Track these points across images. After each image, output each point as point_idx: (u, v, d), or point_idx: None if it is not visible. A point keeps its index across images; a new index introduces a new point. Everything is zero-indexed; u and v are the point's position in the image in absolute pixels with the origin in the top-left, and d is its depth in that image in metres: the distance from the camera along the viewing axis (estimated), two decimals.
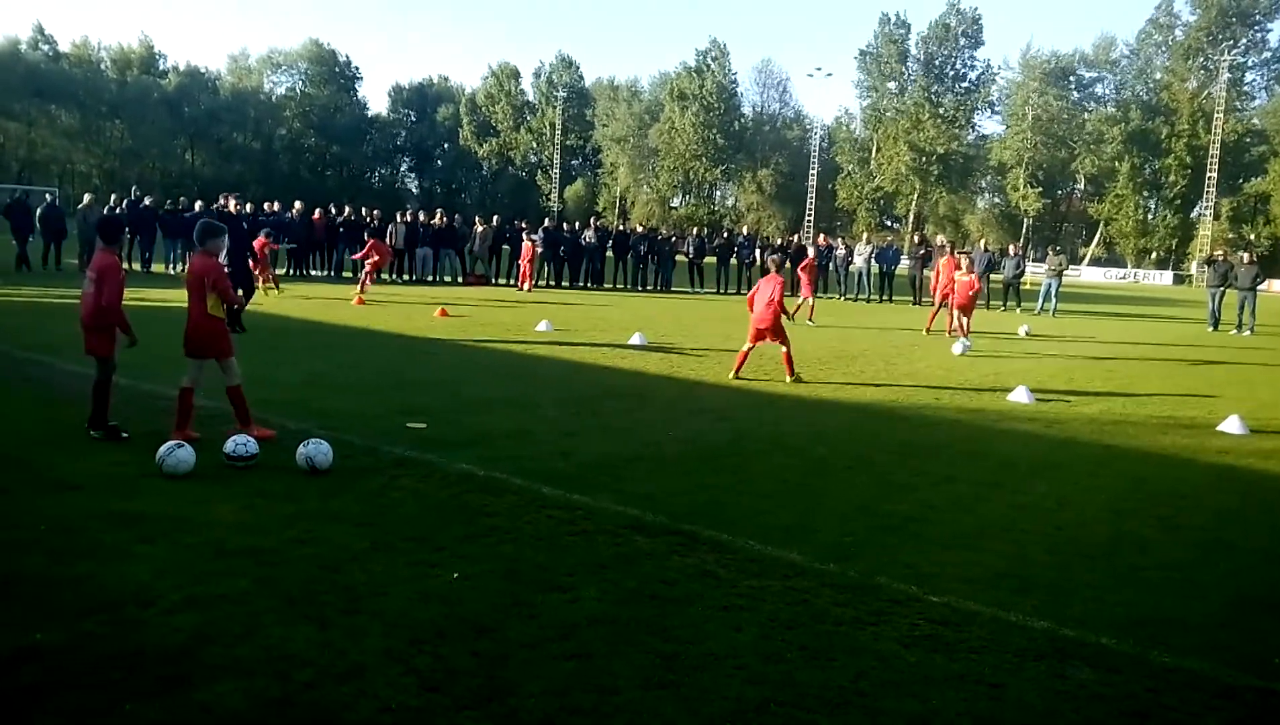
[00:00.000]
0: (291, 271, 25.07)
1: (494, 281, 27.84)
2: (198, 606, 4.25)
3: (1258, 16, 76.98)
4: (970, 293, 16.99)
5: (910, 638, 4.35)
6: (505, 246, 28.24)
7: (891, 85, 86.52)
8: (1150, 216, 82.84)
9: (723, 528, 5.74)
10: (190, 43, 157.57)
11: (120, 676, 3.59)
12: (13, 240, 22.07)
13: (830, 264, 30.16)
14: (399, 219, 26.93)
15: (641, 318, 19.29)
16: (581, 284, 28.78)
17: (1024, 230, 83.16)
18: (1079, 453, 8.66)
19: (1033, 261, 51.35)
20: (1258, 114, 79.75)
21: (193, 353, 7.25)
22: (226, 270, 8.14)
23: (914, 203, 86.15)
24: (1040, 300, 27.60)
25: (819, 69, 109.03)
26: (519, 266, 26.66)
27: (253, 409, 7.34)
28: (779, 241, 34.17)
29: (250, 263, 16.40)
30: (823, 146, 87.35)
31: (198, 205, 24.80)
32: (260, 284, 18.31)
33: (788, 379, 11.71)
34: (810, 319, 20.14)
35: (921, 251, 30.05)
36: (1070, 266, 62.37)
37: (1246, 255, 26.03)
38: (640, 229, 33.50)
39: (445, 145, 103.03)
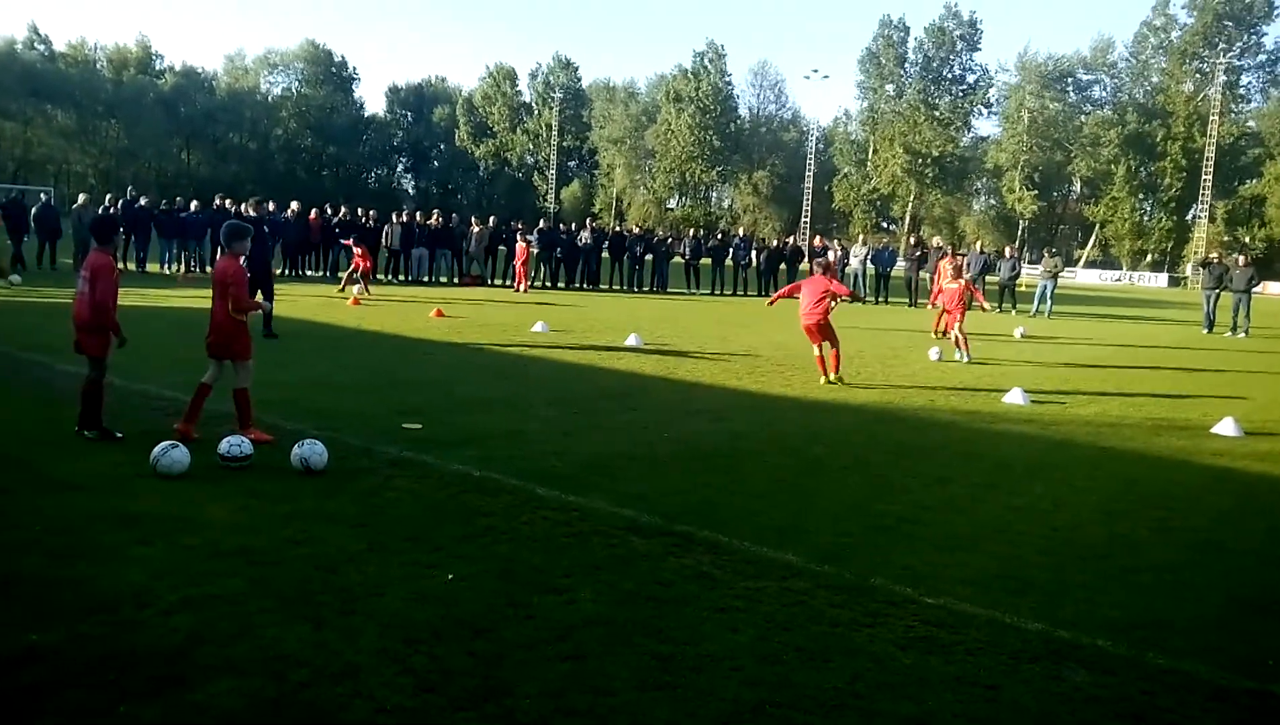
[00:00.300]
0: (286, 271, 25.02)
1: (490, 282, 27.83)
2: (193, 607, 4.25)
3: (1253, 20, 77.19)
4: (960, 301, 15.81)
5: (906, 639, 4.36)
6: (501, 247, 28.27)
7: (890, 87, 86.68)
8: (1146, 219, 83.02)
9: (718, 528, 5.75)
10: (186, 43, 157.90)
11: (116, 677, 3.59)
12: (8, 240, 22.03)
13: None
14: (395, 219, 26.91)
15: (637, 319, 19.29)
16: (578, 285, 28.78)
17: (1020, 232, 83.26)
18: (1074, 454, 8.68)
19: (1028, 263, 51.42)
20: (1253, 116, 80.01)
21: (213, 352, 7.33)
22: (248, 275, 8.16)
23: (910, 205, 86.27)
24: (1036, 302, 27.64)
25: (815, 71, 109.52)
26: (514, 268, 26.66)
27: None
28: (775, 242, 34.12)
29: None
30: (819, 148, 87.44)
31: (193, 205, 24.81)
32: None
33: (831, 377, 11.80)
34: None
35: (917, 253, 30.10)
36: (1066, 268, 62.39)
37: (1242, 257, 26.13)
38: (636, 230, 33.54)
39: (441, 146, 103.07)
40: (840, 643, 4.29)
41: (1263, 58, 78.63)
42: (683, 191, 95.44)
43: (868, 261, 30.31)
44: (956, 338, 15.28)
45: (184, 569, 4.69)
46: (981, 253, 30.32)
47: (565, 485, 6.51)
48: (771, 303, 13.10)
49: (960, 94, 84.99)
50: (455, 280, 27.33)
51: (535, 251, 26.94)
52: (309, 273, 25.89)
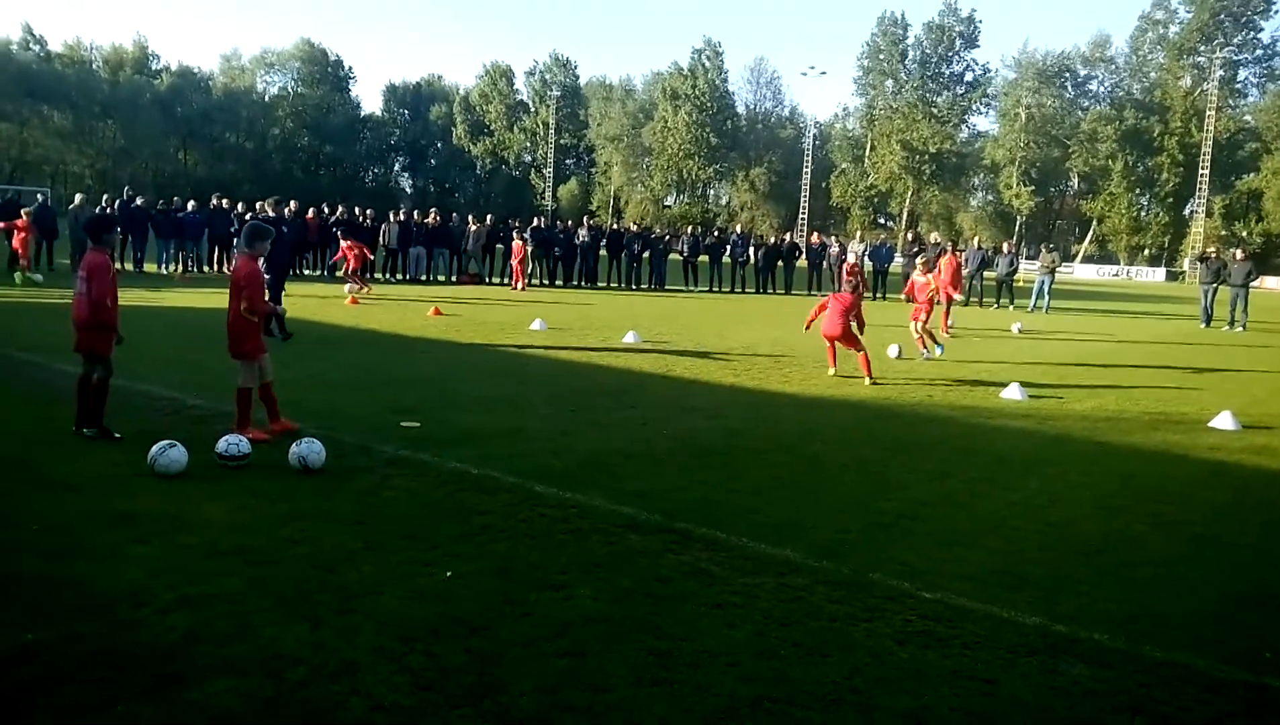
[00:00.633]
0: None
1: (488, 281, 27.82)
2: (190, 606, 4.25)
3: (1250, 15, 77.21)
4: (929, 295, 15.40)
5: (904, 634, 4.36)
6: (499, 246, 28.24)
7: (889, 84, 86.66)
8: (1143, 214, 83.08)
9: (716, 525, 5.75)
10: (183, 43, 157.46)
11: (113, 675, 3.59)
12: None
13: (824, 262, 30.55)
14: (392, 218, 26.90)
15: (635, 316, 19.29)
16: (576, 283, 28.78)
17: (1017, 228, 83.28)
18: (1071, 449, 8.69)
19: (1026, 259, 51.43)
20: (1250, 111, 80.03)
21: (231, 352, 7.42)
22: (266, 277, 8.20)
23: (907, 201, 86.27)
24: (1033, 297, 27.66)
25: (812, 67, 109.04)
26: (512, 266, 26.65)
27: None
28: (773, 239, 34.09)
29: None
30: (816, 145, 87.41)
31: (190, 205, 24.78)
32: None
33: (866, 381, 11.81)
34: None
35: (914, 250, 30.11)
36: (1063, 264, 62.48)
37: (1239, 252, 26.13)
38: (634, 228, 33.51)
39: (439, 144, 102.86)
40: (838, 638, 4.29)
41: (1260, 52, 78.65)
42: (680, 189, 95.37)
43: (865, 258, 30.33)
44: (919, 334, 15.00)
45: (181, 568, 4.69)
46: (979, 249, 30.41)
47: (563, 483, 6.52)
48: (807, 327, 12.86)
49: (959, 91, 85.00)
50: (453, 279, 27.32)
51: (531, 249, 26.91)
52: (307, 272, 25.86)
